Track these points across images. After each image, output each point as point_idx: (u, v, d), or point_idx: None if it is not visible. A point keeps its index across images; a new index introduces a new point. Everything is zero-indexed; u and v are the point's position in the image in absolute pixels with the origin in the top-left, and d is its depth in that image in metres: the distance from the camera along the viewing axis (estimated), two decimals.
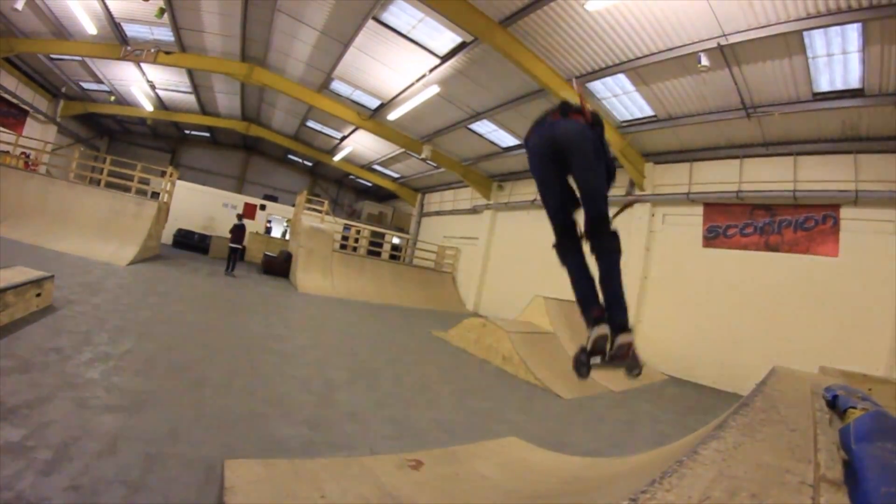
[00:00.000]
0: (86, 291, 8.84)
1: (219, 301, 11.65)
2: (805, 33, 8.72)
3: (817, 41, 8.95)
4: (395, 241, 28.69)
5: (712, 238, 13.32)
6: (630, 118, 13.80)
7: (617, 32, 10.36)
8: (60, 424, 3.71)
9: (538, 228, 19.02)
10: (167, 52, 17.23)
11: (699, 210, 13.69)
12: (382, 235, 27.58)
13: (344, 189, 38.07)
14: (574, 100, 3.25)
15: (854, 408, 2.35)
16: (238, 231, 17.68)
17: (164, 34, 16.68)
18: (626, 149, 14.30)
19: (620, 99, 13.04)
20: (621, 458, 4.94)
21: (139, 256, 14.15)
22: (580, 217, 3.20)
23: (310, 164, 34.38)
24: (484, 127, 17.73)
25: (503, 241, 21.42)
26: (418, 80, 15.19)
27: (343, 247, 22.06)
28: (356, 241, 24.62)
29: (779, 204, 12.10)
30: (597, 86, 12.64)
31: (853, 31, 8.45)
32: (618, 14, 9.78)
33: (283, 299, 14.11)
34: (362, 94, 18.00)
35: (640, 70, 11.32)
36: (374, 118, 19.39)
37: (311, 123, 24.67)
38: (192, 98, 24.09)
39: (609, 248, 3.12)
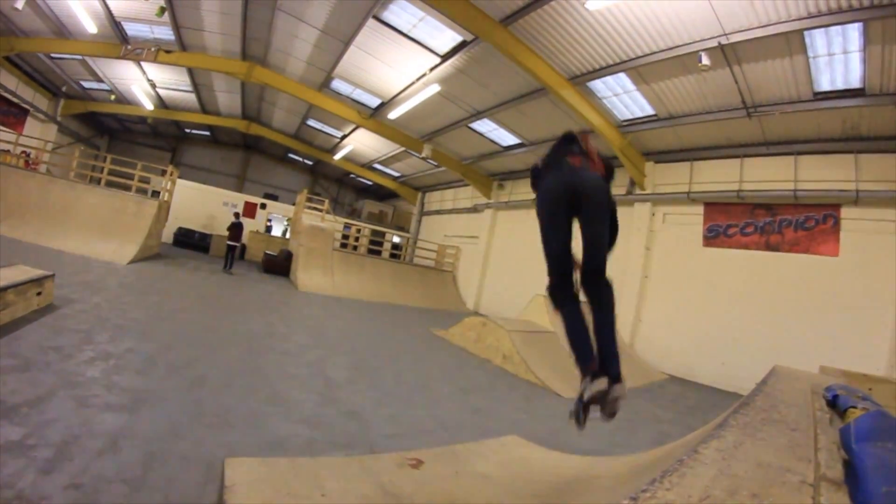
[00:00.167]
0: (86, 290, 8.83)
1: (219, 300, 11.66)
2: (806, 32, 8.71)
3: (818, 40, 8.94)
4: (396, 239, 28.74)
5: (713, 237, 13.32)
6: (631, 117, 13.79)
7: (617, 31, 10.36)
8: (61, 423, 3.71)
9: (539, 228, 19.10)
10: (167, 51, 17.24)
11: (700, 209, 13.69)
12: (383, 234, 27.65)
13: (344, 188, 38.09)
14: (575, 128, 3.32)
15: (854, 407, 2.35)
16: (236, 229, 17.89)
17: (165, 33, 16.68)
18: (627, 148, 14.29)
19: (621, 98, 13.03)
20: (622, 457, 4.94)
21: (140, 255, 14.14)
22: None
23: (310, 162, 34.41)
24: (484, 126, 17.72)
25: (504, 240, 21.43)
26: (419, 79, 15.19)
27: (343, 246, 22.06)
28: (356, 239, 24.63)
29: (779, 203, 12.10)
30: (597, 85, 12.63)
31: (854, 31, 8.44)
32: (618, 13, 9.77)
33: (283, 298, 14.11)
34: (363, 92, 18.00)
35: (641, 69, 11.31)
36: (374, 117, 19.40)
37: (311, 122, 24.67)
38: (192, 97, 24.10)
39: (607, 299, 3.24)
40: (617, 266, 15.05)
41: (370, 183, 32.30)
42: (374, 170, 29.01)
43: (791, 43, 9.10)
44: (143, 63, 19.22)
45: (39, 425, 3.60)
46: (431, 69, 14.36)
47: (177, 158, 32.73)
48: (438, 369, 8.75)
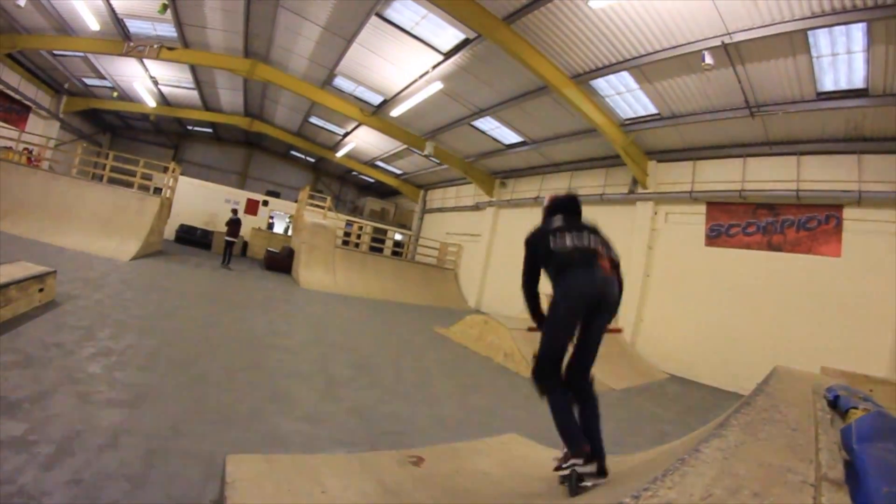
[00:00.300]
0: (88, 287, 8.85)
1: (221, 296, 11.67)
2: (809, 32, 8.68)
3: (822, 40, 8.92)
4: (398, 237, 28.73)
5: (715, 237, 13.30)
6: (633, 116, 13.77)
7: (621, 30, 10.34)
8: (62, 419, 3.72)
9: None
10: (170, 48, 17.25)
11: (702, 209, 13.66)
12: (385, 232, 27.65)
13: (346, 185, 38.08)
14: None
15: (855, 408, 2.35)
16: (234, 225, 18.09)
17: (167, 30, 16.68)
18: (630, 147, 14.27)
19: (624, 97, 13.01)
20: (622, 456, 4.94)
21: (141, 252, 14.15)
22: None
23: (312, 160, 34.40)
24: (487, 124, 17.71)
25: (505, 238, 21.39)
26: (421, 77, 15.18)
27: (345, 243, 22.03)
28: (358, 237, 24.63)
29: (782, 203, 12.08)
30: (600, 83, 12.62)
31: (858, 31, 8.41)
32: (621, 11, 9.75)
33: (285, 295, 14.11)
34: (365, 90, 18.00)
35: (644, 68, 11.29)
36: (377, 114, 19.40)
37: (313, 119, 24.66)
38: (194, 94, 24.11)
39: (594, 393, 3.50)
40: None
41: (372, 180, 32.31)
42: (377, 167, 29.01)
43: (794, 43, 9.07)
44: (145, 60, 19.23)
45: (41, 421, 3.61)
46: (434, 67, 14.35)
47: (179, 155, 32.73)
48: (439, 367, 8.75)
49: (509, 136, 18.23)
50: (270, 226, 28.67)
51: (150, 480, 3.19)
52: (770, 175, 12.27)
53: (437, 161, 22.31)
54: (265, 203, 28.01)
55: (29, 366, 4.65)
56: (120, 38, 17.31)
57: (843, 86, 9.86)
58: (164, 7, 14.53)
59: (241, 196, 27.51)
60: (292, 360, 7.18)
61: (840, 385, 3.22)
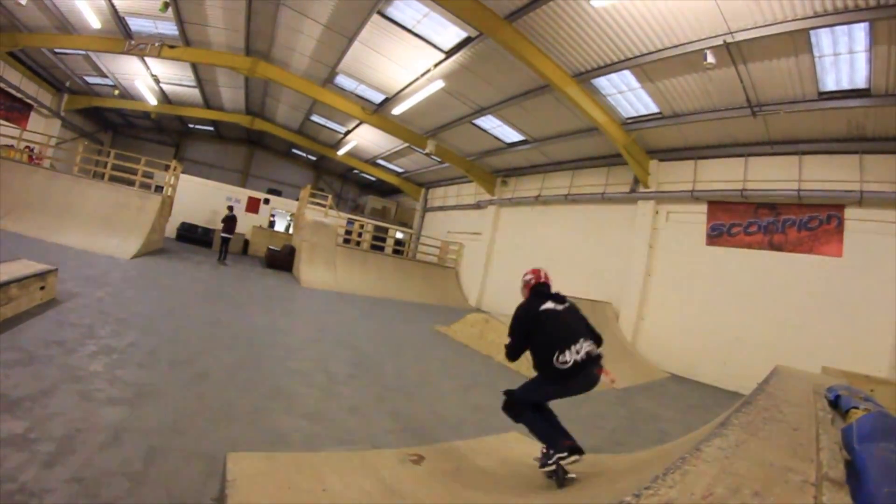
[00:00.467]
0: (89, 284, 8.85)
1: (222, 294, 11.67)
2: (812, 32, 8.67)
3: (824, 40, 8.90)
4: (399, 235, 28.69)
5: (716, 236, 13.29)
6: (635, 115, 13.75)
7: (622, 28, 10.32)
8: (63, 417, 3.72)
9: (542, 224, 19.13)
10: (171, 47, 17.24)
11: (703, 208, 13.65)
12: (386, 230, 27.61)
13: (348, 183, 38.08)
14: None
15: (856, 408, 2.35)
16: (230, 222, 18.25)
17: (168, 28, 16.68)
18: (631, 146, 14.26)
19: (626, 95, 13.00)
20: (623, 455, 4.95)
21: (143, 250, 14.16)
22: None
23: (314, 158, 34.41)
24: (488, 122, 17.69)
25: (507, 236, 21.43)
26: (423, 75, 15.16)
27: (346, 241, 22.02)
28: (360, 235, 24.59)
29: (783, 203, 12.06)
30: (602, 82, 12.60)
31: (860, 31, 8.39)
32: (623, 10, 9.74)
33: (286, 293, 14.12)
34: (367, 88, 17.98)
35: (646, 67, 11.28)
36: (378, 113, 19.38)
37: (315, 118, 24.66)
38: (196, 92, 24.10)
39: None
40: (620, 263, 15.10)
41: (374, 179, 32.31)
42: (378, 165, 29.00)
43: (797, 42, 9.05)
44: (146, 58, 19.22)
45: (42, 419, 3.61)
46: (436, 65, 14.33)
47: (180, 153, 32.74)
48: (440, 365, 8.76)
49: (511, 135, 18.21)
50: (272, 224, 28.67)
51: (150, 478, 3.20)
52: (771, 175, 12.26)
53: (439, 159, 22.30)
54: (266, 201, 28.01)
55: (30, 364, 4.65)
56: (121, 36, 17.31)
57: (845, 86, 9.84)
58: (166, 5, 14.52)
59: (243, 194, 27.52)
60: (293, 357, 7.18)
61: (841, 385, 3.22)
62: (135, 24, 16.79)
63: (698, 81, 11.25)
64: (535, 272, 4.50)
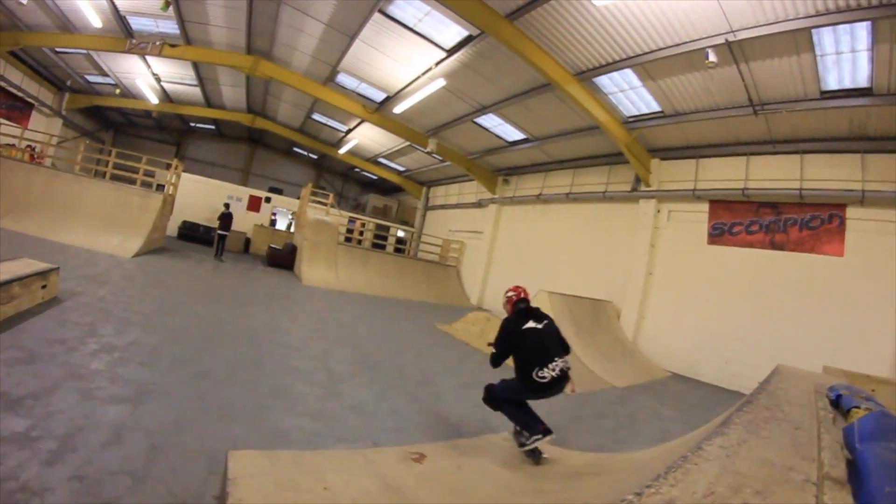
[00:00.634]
0: (91, 283, 8.87)
1: (223, 293, 11.68)
2: (814, 31, 8.64)
3: (826, 39, 8.87)
4: (400, 234, 28.72)
5: (717, 235, 13.28)
6: (636, 113, 13.73)
7: (624, 27, 10.30)
8: (65, 415, 3.73)
9: (543, 223, 19.13)
10: (172, 45, 17.22)
11: (705, 207, 13.64)
12: (387, 228, 27.64)
13: (349, 182, 38.07)
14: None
15: (858, 407, 2.35)
16: (225, 219, 18.55)
17: (170, 27, 16.67)
18: (633, 144, 14.25)
19: (627, 94, 12.98)
20: (624, 455, 4.95)
21: (144, 248, 14.17)
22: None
23: (315, 156, 34.40)
24: (490, 121, 17.68)
25: (508, 235, 21.44)
26: (424, 74, 15.15)
27: (348, 240, 22.01)
28: (361, 234, 24.58)
29: (785, 202, 12.05)
30: (603, 80, 12.58)
31: (862, 30, 8.37)
32: (625, 9, 9.72)
33: (287, 291, 14.13)
34: (368, 87, 17.96)
35: (647, 65, 11.26)
36: (379, 111, 19.36)
37: (316, 116, 24.64)
38: (197, 91, 24.09)
39: None
40: (621, 263, 15.11)
41: (375, 177, 32.28)
42: (379, 164, 28.99)
43: (798, 41, 9.03)
44: (147, 57, 19.19)
45: (44, 417, 3.62)
46: (437, 64, 14.32)
47: (181, 152, 32.71)
48: (441, 364, 8.77)
49: (512, 133, 18.20)
50: (273, 222, 28.66)
51: (152, 476, 3.21)
52: (773, 174, 12.24)
53: (440, 158, 22.29)
54: (268, 200, 28.01)
55: (32, 362, 4.66)
56: (122, 35, 17.29)
57: (847, 84, 9.82)
58: (167, 4, 14.51)
59: (244, 193, 27.52)
60: (294, 356, 7.19)
61: (842, 384, 3.21)
62: (136, 22, 16.77)
63: (700, 80, 11.23)
64: (516, 289, 5.20)
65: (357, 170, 32.55)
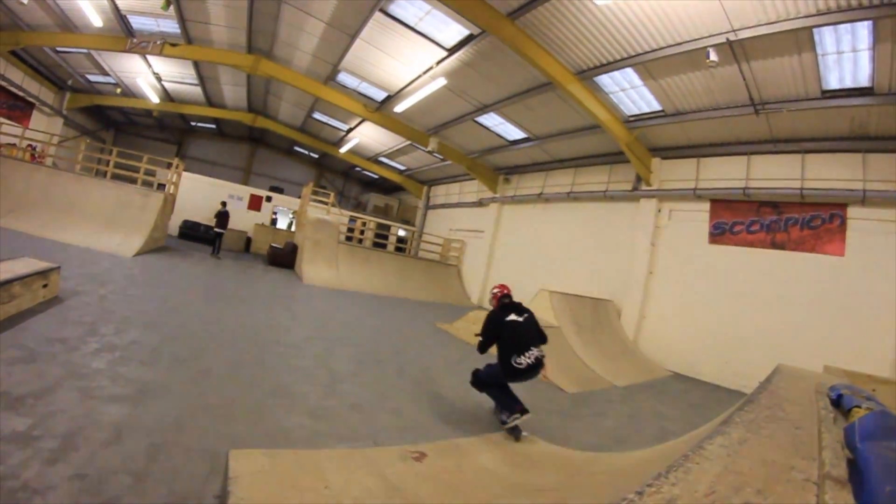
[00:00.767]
0: (92, 282, 8.87)
1: (224, 292, 11.68)
2: (815, 30, 8.63)
3: (827, 38, 8.86)
4: (401, 233, 28.73)
5: (718, 235, 13.27)
6: (637, 112, 13.72)
7: (625, 26, 10.30)
8: (66, 414, 3.73)
9: (544, 222, 19.12)
10: (173, 44, 17.23)
11: (706, 206, 13.63)
12: (388, 227, 27.63)
13: (350, 181, 38.08)
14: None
15: (858, 407, 2.35)
16: (222, 217, 18.71)
17: (170, 26, 16.68)
18: (634, 143, 14.24)
19: (628, 93, 12.97)
20: (624, 453, 4.95)
21: (145, 248, 14.18)
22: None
23: (316, 155, 34.40)
24: (491, 120, 17.68)
25: (509, 234, 21.44)
26: (425, 73, 15.15)
27: (349, 239, 22.02)
28: (362, 232, 24.58)
29: (786, 202, 12.04)
30: (604, 80, 12.57)
31: (863, 29, 8.36)
32: (626, 8, 9.72)
33: (288, 290, 14.13)
34: (369, 86, 17.96)
35: (648, 64, 11.26)
36: (380, 110, 19.36)
37: (317, 115, 24.64)
38: (198, 90, 24.11)
39: None
40: (622, 262, 15.10)
41: (376, 176, 32.27)
42: (380, 163, 28.99)
43: (800, 40, 9.02)
44: (148, 56, 19.21)
45: (45, 416, 3.63)
46: (438, 63, 14.31)
47: (182, 151, 32.75)
48: (442, 363, 8.76)
49: (513, 133, 18.19)
50: (274, 222, 28.65)
51: (153, 475, 3.21)
52: (774, 173, 12.24)
53: (441, 157, 22.30)
54: (269, 199, 28.01)
55: (33, 361, 4.67)
56: (123, 34, 17.30)
57: (849, 84, 9.81)
58: (168, 3, 14.53)
59: (245, 192, 27.52)
60: (295, 355, 7.19)
61: (843, 384, 3.21)
62: (137, 22, 16.78)
63: (701, 79, 11.23)
64: (501, 287, 6.14)
65: (358, 169, 32.56)
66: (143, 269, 11.79)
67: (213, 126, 32.08)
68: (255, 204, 27.18)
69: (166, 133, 32.91)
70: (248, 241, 25.49)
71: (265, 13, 14.91)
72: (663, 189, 14.69)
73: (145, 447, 3.53)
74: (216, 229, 18.73)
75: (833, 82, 9.91)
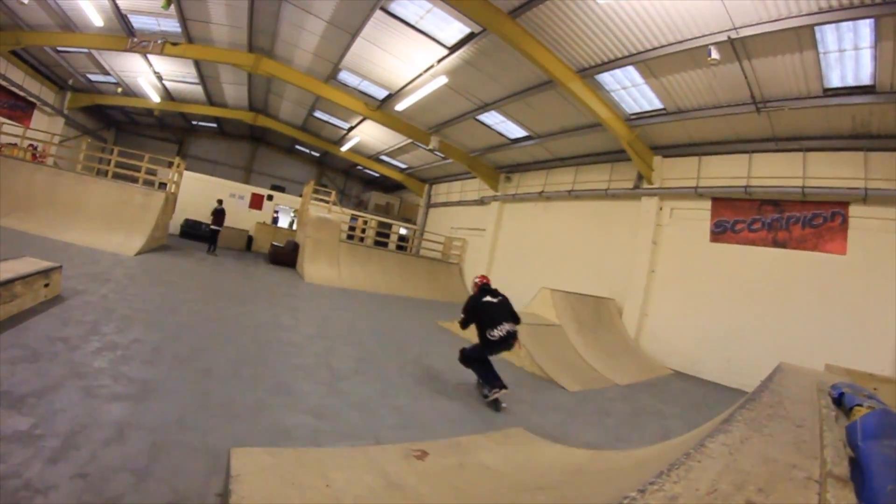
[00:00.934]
0: (93, 281, 8.88)
1: (225, 290, 11.68)
2: (817, 28, 8.61)
3: (829, 36, 8.84)
4: (403, 231, 28.73)
5: (720, 233, 13.26)
6: (639, 111, 13.71)
7: (626, 24, 10.29)
8: (68, 413, 3.74)
9: (546, 220, 19.14)
10: (174, 44, 17.22)
11: (707, 204, 13.62)
12: (389, 226, 27.63)
13: (351, 179, 38.11)
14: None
15: (860, 405, 2.34)
16: (218, 215, 18.94)
17: (171, 25, 16.68)
18: (635, 142, 14.23)
19: (629, 91, 12.96)
20: (626, 452, 4.95)
21: (146, 247, 14.21)
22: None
23: (317, 154, 34.42)
24: (492, 118, 17.67)
25: (510, 232, 21.45)
26: (426, 71, 15.14)
27: (350, 237, 22.04)
28: (363, 231, 24.58)
29: (787, 200, 12.02)
30: (605, 78, 12.56)
31: (865, 27, 8.34)
32: (627, 6, 9.70)
33: (289, 289, 14.14)
34: (370, 84, 17.96)
35: (650, 62, 11.24)
36: (381, 109, 19.35)
37: (318, 114, 24.65)
38: (199, 89, 24.11)
39: None
40: (623, 260, 15.10)
41: (377, 174, 32.28)
42: (381, 161, 29.02)
43: (801, 38, 9.01)
44: (149, 55, 19.19)
45: (47, 415, 3.63)
46: (439, 61, 14.31)
47: (183, 150, 32.77)
48: (444, 361, 8.76)
49: (514, 131, 18.18)
50: (275, 220, 28.70)
51: (154, 474, 3.21)
52: (776, 171, 12.23)
53: (442, 155, 22.30)
54: (270, 198, 28.04)
55: (35, 360, 4.67)
56: (124, 33, 17.30)
57: (850, 82, 9.79)
58: (168, 2, 14.52)
59: (246, 191, 27.56)
60: (296, 353, 7.20)
61: (844, 382, 3.21)
62: (137, 21, 16.78)
63: (702, 77, 11.21)
64: (482, 277, 7.36)
65: (359, 167, 32.61)
66: (145, 268, 11.81)
67: (215, 125, 32.09)
68: (256, 203, 27.22)
69: (167, 132, 32.92)
70: (250, 239, 25.51)
71: (266, 12, 14.90)
72: (665, 187, 14.68)
73: (147, 446, 3.53)
74: (212, 226, 18.94)
75: (835, 80, 9.90)
